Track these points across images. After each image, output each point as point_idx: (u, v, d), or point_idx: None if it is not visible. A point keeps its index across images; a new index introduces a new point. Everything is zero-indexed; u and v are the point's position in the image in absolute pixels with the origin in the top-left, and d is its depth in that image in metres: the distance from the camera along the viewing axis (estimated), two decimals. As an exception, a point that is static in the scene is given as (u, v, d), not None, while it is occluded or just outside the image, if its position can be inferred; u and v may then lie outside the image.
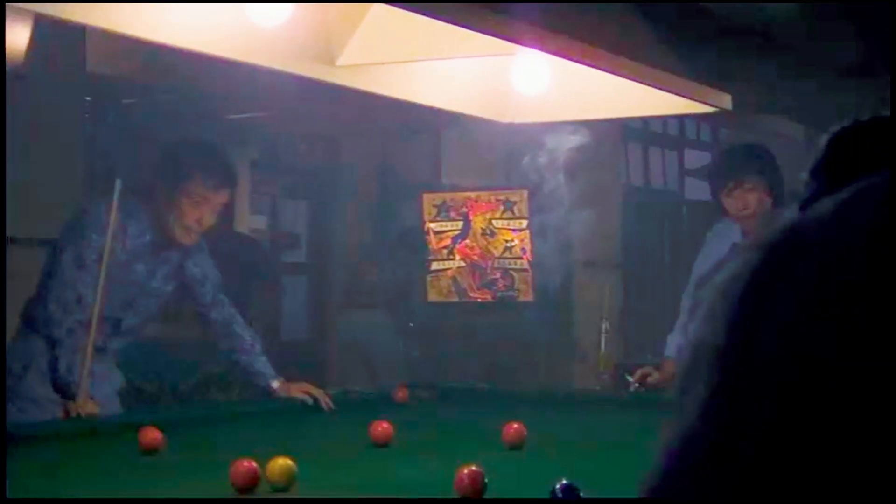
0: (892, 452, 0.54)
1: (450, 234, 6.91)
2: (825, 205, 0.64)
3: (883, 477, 0.54)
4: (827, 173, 0.88)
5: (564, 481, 2.06)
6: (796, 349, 0.58)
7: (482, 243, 6.83)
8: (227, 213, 7.18)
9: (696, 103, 3.94)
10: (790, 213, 0.67)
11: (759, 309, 0.61)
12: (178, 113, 6.29)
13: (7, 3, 3.07)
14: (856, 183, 0.62)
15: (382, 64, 3.63)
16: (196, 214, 3.61)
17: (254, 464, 2.37)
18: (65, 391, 3.41)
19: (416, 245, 6.99)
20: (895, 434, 0.54)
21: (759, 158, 4.05)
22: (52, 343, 3.46)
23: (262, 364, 3.86)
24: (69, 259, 3.52)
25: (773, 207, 3.95)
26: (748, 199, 3.94)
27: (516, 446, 3.00)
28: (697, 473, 0.61)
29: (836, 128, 0.86)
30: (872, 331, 0.56)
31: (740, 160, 4.06)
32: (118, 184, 3.48)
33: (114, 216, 3.46)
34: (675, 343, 4.24)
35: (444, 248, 6.93)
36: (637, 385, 4.30)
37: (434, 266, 6.97)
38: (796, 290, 0.60)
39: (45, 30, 4.73)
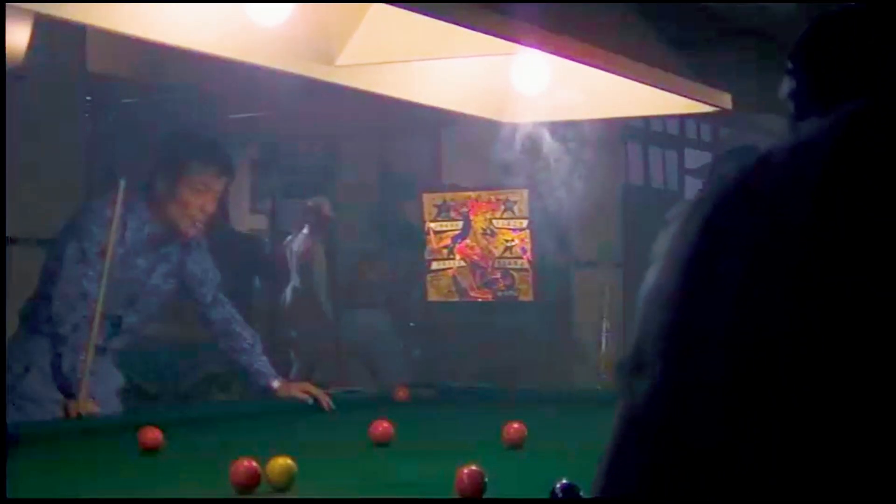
0: (852, 402, 0.53)
1: (450, 233, 6.91)
2: (780, 144, 0.63)
3: (837, 427, 0.53)
4: (805, 56, 0.88)
5: (564, 481, 2.05)
6: (749, 300, 0.57)
7: (482, 243, 6.83)
8: (221, 211, 7.20)
9: (697, 103, 3.93)
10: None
11: (710, 257, 0.61)
12: (178, 113, 6.30)
13: (7, 3, 3.07)
14: (816, 119, 0.62)
15: (382, 64, 3.63)
16: (199, 202, 3.62)
17: (254, 464, 2.37)
18: (67, 389, 3.40)
19: (416, 244, 6.99)
20: (856, 383, 0.53)
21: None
22: (57, 341, 3.45)
23: (262, 364, 3.85)
24: (71, 255, 3.51)
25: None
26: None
27: (516, 446, 2.99)
28: (642, 453, 0.61)
29: (820, 13, 0.86)
30: (820, 278, 0.55)
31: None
32: (122, 183, 3.48)
33: (117, 213, 3.46)
34: None
35: (445, 247, 6.93)
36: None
37: (434, 266, 6.97)
38: (747, 239, 0.59)
39: (44, 30, 4.73)
